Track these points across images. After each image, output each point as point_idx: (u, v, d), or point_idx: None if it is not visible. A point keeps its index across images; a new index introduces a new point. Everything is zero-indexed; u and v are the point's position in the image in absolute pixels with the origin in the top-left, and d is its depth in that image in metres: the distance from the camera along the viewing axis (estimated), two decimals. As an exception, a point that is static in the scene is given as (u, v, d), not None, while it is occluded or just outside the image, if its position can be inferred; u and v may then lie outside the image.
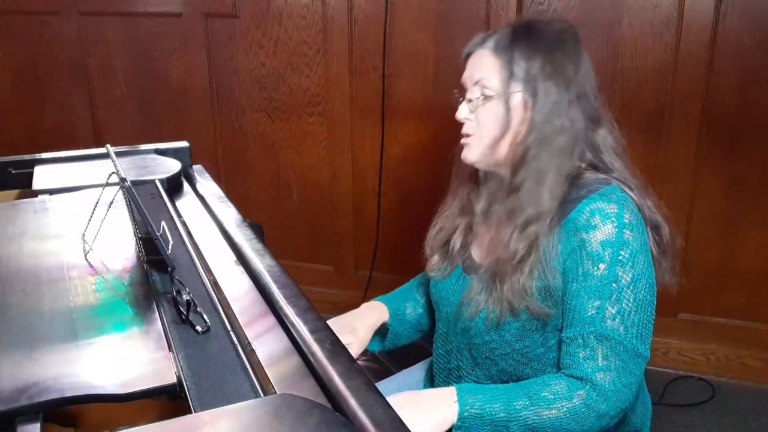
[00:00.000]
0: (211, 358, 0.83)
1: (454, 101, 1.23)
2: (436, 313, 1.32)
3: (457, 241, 1.28)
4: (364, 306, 1.40)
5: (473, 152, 1.19)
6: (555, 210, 1.11)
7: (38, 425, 0.71)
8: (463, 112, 1.19)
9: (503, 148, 1.16)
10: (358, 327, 1.33)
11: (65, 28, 2.85)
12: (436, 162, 2.49)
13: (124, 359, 0.82)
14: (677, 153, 2.16)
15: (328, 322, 1.32)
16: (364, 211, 2.65)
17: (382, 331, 1.40)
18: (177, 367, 0.80)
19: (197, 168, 1.62)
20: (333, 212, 2.71)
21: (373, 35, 2.42)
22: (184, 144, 1.65)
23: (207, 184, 1.49)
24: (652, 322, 1.11)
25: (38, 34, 2.90)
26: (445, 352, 1.29)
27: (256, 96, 2.67)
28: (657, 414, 1.34)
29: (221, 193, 1.42)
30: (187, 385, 0.77)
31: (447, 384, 1.29)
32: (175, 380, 0.79)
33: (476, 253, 1.26)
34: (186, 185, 1.51)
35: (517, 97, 1.13)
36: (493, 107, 1.15)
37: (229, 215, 1.28)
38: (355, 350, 1.31)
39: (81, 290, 0.99)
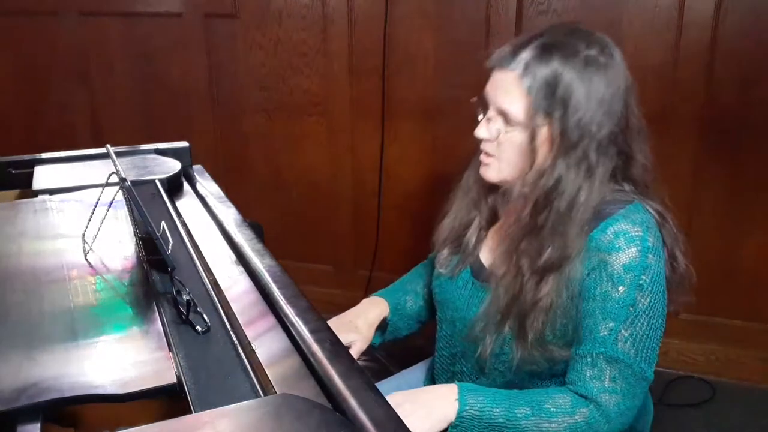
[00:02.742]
0: (211, 358, 0.83)
1: (476, 111, 1.18)
2: (439, 312, 1.30)
3: (472, 238, 1.25)
4: (365, 302, 1.39)
5: (491, 173, 1.16)
6: (583, 246, 1.07)
7: (38, 425, 0.71)
8: (482, 132, 1.14)
9: (524, 174, 1.13)
10: (360, 325, 1.32)
11: (65, 28, 2.84)
12: (435, 162, 2.50)
13: (124, 359, 0.82)
14: (677, 153, 2.16)
15: (329, 321, 1.32)
16: (364, 211, 2.65)
17: (381, 326, 1.39)
18: (177, 367, 0.80)
19: (197, 168, 1.62)
20: (333, 212, 2.71)
21: (373, 35, 2.42)
22: (184, 144, 1.65)
23: (207, 184, 1.49)
24: (659, 345, 1.10)
25: (38, 34, 2.90)
26: (450, 354, 1.28)
27: (256, 96, 2.67)
28: (657, 414, 1.34)
29: (221, 193, 1.42)
30: (187, 385, 0.77)
31: None
32: (175, 380, 0.79)
33: (485, 257, 1.24)
34: (186, 185, 1.51)
35: (543, 129, 1.08)
36: (517, 137, 1.11)
37: (229, 215, 1.28)
38: (358, 347, 1.30)
39: (81, 290, 0.99)
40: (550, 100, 1.07)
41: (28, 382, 0.76)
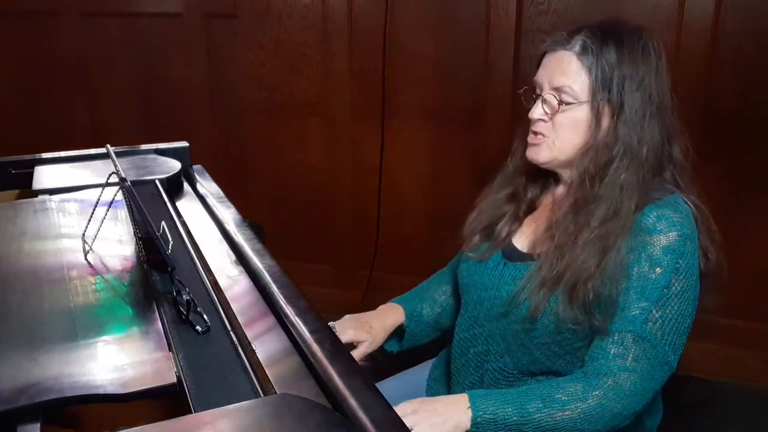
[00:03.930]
0: (211, 358, 0.83)
1: (524, 99, 1.21)
2: (464, 296, 1.30)
3: (504, 228, 1.26)
4: (381, 307, 1.41)
5: (543, 154, 1.18)
6: (632, 221, 1.10)
7: (38, 425, 0.71)
8: (537, 112, 1.17)
9: (579, 154, 1.15)
10: (375, 326, 1.34)
11: (65, 28, 2.85)
12: (435, 162, 2.50)
13: (124, 359, 0.82)
14: (677, 153, 2.16)
15: (345, 317, 1.33)
16: (363, 211, 2.65)
17: (399, 332, 1.41)
18: (177, 367, 0.80)
19: (197, 168, 1.62)
20: (333, 212, 2.72)
21: (373, 35, 2.42)
22: (184, 144, 1.65)
23: (207, 184, 1.49)
24: (687, 334, 1.11)
25: (38, 34, 2.90)
26: (471, 336, 1.27)
27: (256, 96, 2.67)
28: (663, 415, 1.34)
29: (221, 193, 1.42)
30: (187, 385, 0.77)
31: (465, 369, 1.28)
32: (175, 380, 0.79)
33: (520, 243, 1.25)
34: (186, 185, 1.51)
35: (602, 105, 1.12)
36: (574, 114, 1.14)
37: (229, 215, 1.28)
38: (364, 348, 1.32)
39: (81, 290, 0.99)
40: (611, 74, 1.11)
41: (28, 382, 0.76)
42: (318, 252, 2.79)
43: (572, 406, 1.05)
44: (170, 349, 0.84)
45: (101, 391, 0.75)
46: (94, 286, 1.01)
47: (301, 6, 2.50)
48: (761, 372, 2.26)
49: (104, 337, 0.87)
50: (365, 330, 1.32)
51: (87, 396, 0.75)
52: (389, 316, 1.39)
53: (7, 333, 0.87)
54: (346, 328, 1.31)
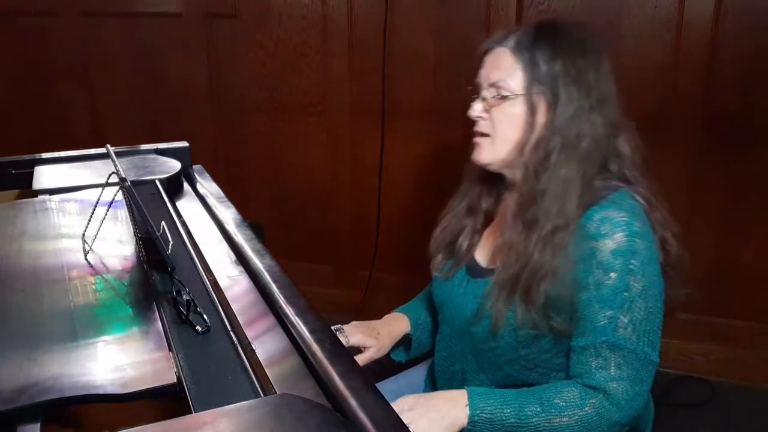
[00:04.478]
0: (211, 358, 0.83)
1: (467, 99, 1.21)
2: (439, 314, 1.31)
3: (464, 243, 1.27)
4: (387, 317, 1.41)
5: (485, 154, 1.18)
6: (580, 216, 1.09)
7: (38, 425, 0.71)
8: (476, 110, 1.18)
9: (518, 151, 1.15)
10: (382, 333, 1.35)
11: (65, 28, 2.85)
12: (435, 162, 2.50)
13: (124, 359, 0.82)
14: (677, 153, 2.16)
15: (352, 323, 1.33)
16: (364, 211, 2.65)
17: (405, 342, 1.41)
18: (177, 367, 0.80)
19: (197, 168, 1.62)
20: (333, 212, 2.71)
21: (373, 35, 2.42)
22: (184, 144, 1.65)
23: (207, 184, 1.49)
24: (661, 328, 1.10)
25: (38, 35, 2.90)
26: (449, 354, 1.29)
27: (256, 96, 2.67)
28: (656, 414, 1.34)
29: (221, 193, 1.42)
30: (187, 385, 0.77)
31: (450, 387, 1.29)
32: (175, 380, 0.79)
33: (481, 256, 1.25)
34: (186, 185, 1.51)
35: (537, 99, 1.12)
36: (509, 108, 1.14)
37: (229, 215, 1.28)
38: (370, 354, 1.32)
39: (81, 290, 0.99)
40: (545, 68, 1.11)
41: (28, 382, 0.76)
42: (318, 252, 2.79)
43: (570, 412, 1.05)
44: (170, 349, 0.84)
45: (101, 391, 0.75)
46: (94, 286, 1.01)
47: (301, 6, 2.50)
48: (761, 372, 2.26)
49: (104, 337, 0.87)
50: (373, 336, 1.33)
51: (87, 396, 0.75)
52: (395, 325, 1.39)
53: (7, 333, 0.87)
54: (355, 332, 1.31)
